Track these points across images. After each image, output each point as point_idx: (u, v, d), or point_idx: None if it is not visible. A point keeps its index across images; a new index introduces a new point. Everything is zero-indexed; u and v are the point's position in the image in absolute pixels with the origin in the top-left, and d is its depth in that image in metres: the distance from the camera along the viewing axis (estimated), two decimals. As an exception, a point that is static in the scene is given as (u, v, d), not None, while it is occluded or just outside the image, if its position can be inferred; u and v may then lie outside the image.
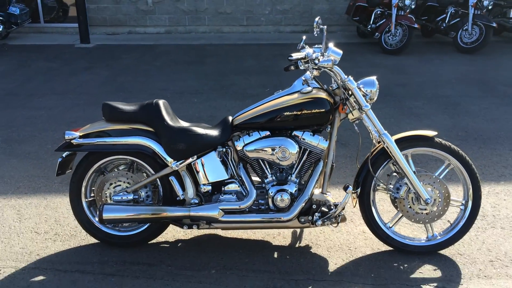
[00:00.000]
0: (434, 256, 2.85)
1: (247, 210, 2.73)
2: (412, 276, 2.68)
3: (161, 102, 2.77)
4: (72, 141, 2.71)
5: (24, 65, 7.58)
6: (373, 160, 2.80)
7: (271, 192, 2.70)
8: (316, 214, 2.72)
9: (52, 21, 10.73)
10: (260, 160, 2.75)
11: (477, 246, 2.95)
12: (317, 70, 2.70)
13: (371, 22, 8.85)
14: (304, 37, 3.04)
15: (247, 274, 2.67)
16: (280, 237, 3.03)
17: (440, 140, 2.80)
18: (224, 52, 8.61)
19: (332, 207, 2.74)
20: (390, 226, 2.89)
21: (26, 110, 5.48)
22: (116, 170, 2.88)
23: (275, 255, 2.85)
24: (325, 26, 2.75)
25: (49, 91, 6.27)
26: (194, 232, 3.05)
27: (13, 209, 3.33)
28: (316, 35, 2.78)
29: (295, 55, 2.60)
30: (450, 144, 2.81)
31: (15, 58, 8.03)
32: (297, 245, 2.95)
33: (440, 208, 2.79)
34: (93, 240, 2.92)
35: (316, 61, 2.62)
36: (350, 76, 2.72)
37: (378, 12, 8.84)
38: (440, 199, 2.78)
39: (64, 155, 2.79)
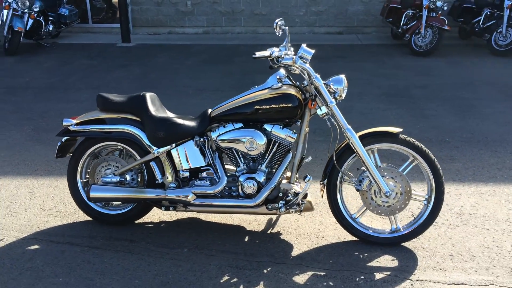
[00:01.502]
0: (396, 248, 2.98)
1: (219, 195, 2.98)
2: (369, 264, 2.83)
3: (148, 95, 3.08)
4: (69, 128, 3.08)
5: (67, 62, 8.20)
6: (339, 154, 2.97)
7: (241, 180, 2.94)
8: (281, 201, 2.93)
9: (100, 21, 11.42)
10: (233, 150, 2.99)
11: (442, 241, 3.04)
12: (285, 68, 2.91)
13: (402, 24, 8.82)
14: (288, 33, 3.24)
15: (215, 254, 2.92)
16: (256, 223, 3.26)
17: (405, 136, 2.93)
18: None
19: (297, 196, 2.94)
20: (356, 217, 3.04)
21: (60, 103, 6.00)
22: (107, 155, 3.22)
23: (246, 239, 3.08)
24: (287, 27, 2.92)
25: (84, 86, 6.80)
26: (178, 215, 3.34)
27: (27, 188, 3.76)
28: (279, 35, 2.96)
29: (259, 53, 2.81)
30: (414, 140, 2.93)
31: (61, 56, 8.69)
32: (269, 231, 3.17)
33: (401, 201, 2.91)
34: (87, 218, 3.28)
35: (280, 59, 2.82)
36: (317, 74, 2.90)
37: (410, 14, 8.80)
38: (401, 193, 2.91)
39: (63, 139, 3.16)
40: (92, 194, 2.99)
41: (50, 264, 2.82)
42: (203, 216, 3.33)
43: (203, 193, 2.95)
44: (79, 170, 3.19)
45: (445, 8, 8.45)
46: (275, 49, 2.85)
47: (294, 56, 2.84)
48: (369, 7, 10.63)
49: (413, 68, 7.63)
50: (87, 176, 3.22)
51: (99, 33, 10.97)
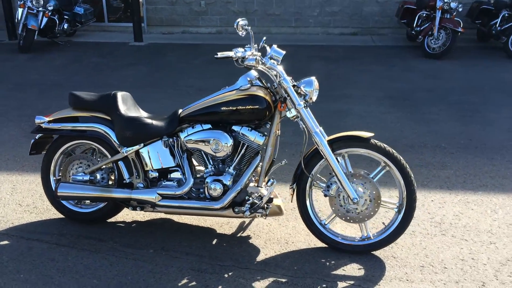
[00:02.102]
0: (365, 256, 2.88)
1: (185, 196, 2.95)
2: (333, 272, 2.75)
3: (119, 94, 3.07)
4: (41, 125, 3.10)
5: (78, 60, 8.33)
6: (308, 159, 2.89)
7: (208, 182, 2.90)
8: (247, 205, 2.87)
9: (117, 21, 11.56)
10: (202, 151, 2.95)
11: (416, 251, 2.93)
12: (253, 68, 2.85)
13: (415, 25, 8.61)
14: (264, 38, 3.20)
15: (179, 256, 2.89)
16: (227, 226, 3.21)
17: (376, 141, 2.83)
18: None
19: (269, 200, 2.87)
20: (326, 223, 2.96)
21: (62, 100, 6.06)
22: (82, 153, 3.23)
23: (214, 242, 3.04)
24: (250, 27, 2.86)
25: (90, 84, 6.88)
26: (152, 215, 3.32)
27: (11, 184, 3.81)
28: (242, 36, 2.90)
29: (221, 54, 2.76)
30: (385, 146, 2.83)
31: (73, 54, 8.84)
32: (238, 235, 3.12)
33: (370, 209, 2.82)
34: (61, 215, 3.29)
35: (244, 60, 2.77)
36: (286, 76, 2.83)
37: (424, 15, 8.58)
38: (370, 200, 2.81)
39: (37, 137, 3.18)
40: (60, 192, 3.00)
41: (15, 260, 2.84)
42: (176, 217, 3.30)
43: (169, 194, 2.92)
44: (52, 167, 3.20)
45: (460, 9, 8.19)
46: (240, 50, 2.80)
47: (258, 57, 2.78)
48: (384, 8, 10.43)
49: (424, 70, 7.44)
50: (60, 174, 3.24)
51: (114, 32, 11.10)
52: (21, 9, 8.85)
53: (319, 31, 10.76)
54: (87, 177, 3.09)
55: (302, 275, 2.72)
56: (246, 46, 2.87)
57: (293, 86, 2.87)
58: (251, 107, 2.81)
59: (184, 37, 10.60)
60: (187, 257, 2.88)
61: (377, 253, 2.92)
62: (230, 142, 2.84)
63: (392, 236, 2.86)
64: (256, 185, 2.91)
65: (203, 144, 2.86)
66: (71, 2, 9.94)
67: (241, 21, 2.78)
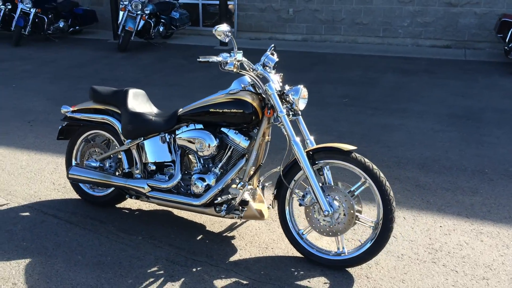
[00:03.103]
0: (338, 272, 2.81)
1: (174, 190, 3.12)
2: (297, 282, 2.72)
3: (131, 91, 3.34)
4: (66, 114, 3.49)
5: (163, 60, 8.98)
6: (288, 167, 2.90)
7: (193, 178, 3.04)
8: (224, 205, 2.96)
9: (211, 25, 12.19)
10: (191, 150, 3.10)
11: (393, 275, 2.78)
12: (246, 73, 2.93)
13: (507, 39, 7.90)
14: (272, 45, 3.29)
15: (162, 246, 3.07)
16: (218, 224, 3.32)
17: (357, 155, 2.75)
18: (339, 62, 8.75)
19: (244, 203, 2.94)
20: (303, 233, 2.94)
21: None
22: (99, 142, 3.57)
23: (199, 237, 3.17)
24: (231, 33, 2.90)
25: (162, 82, 7.39)
26: (156, 207, 3.55)
27: (54, 165, 4.31)
28: (225, 41, 2.97)
29: (203, 58, 2.86)
30: (366, 161, 2.74)
31: (161, 54, 9.54)
32: (225, 234, 3.21)
33: (344, 223, 2.74)
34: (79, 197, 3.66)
35: (223, 65, 2.86)
36: (273, 83, 2.87)
37: (519, 29, 7.83)
38: (344, 214, 2.73)
39: (64, 124, 3.58)
40: (70, 174, 3.36)
41: (27, 230, 3.24)
42: (176, 211, 3.49)
43: (157, 187, 3.12)
44: (74, 152, 3.58)
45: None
46: (225, 55, 2.89)
47: (237, 63, 2.85)
48: (483, 21, 9.69)
49: (507, 90, 6.81)
50: (82, 159, 3.61)
51: (207, 36, 11.71)
52: (122, 12, 9.79)
53: (408, 43, 10.32)
54: (97, 164, 3.42)
55: (265, 280, 2.74)
56: (238, 51, 2.93)
57: (281, 93, 2.90)
58: (236, 110, 2.89)
59: (269, 43, 10.82)
60: (168, 248, 3.05)
61: (352, 270, 2.82)
62: (214, 143, 2.96)
63: (366, 255, 2.75)
64: (238, 187, 2.98)
65: (191, 142, 3.01)
66: (168, 7, 10.74)
67: (223, 27, 2.84)
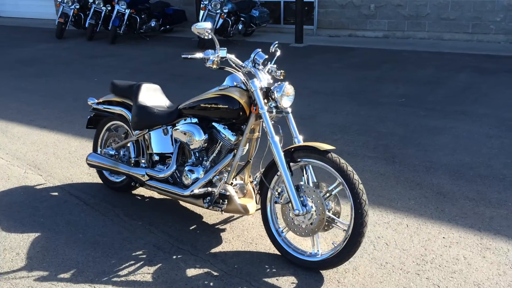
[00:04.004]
0: (310, 273, 2.76)
1: (170, 180, 3.28)
2: (265, 279, 2.72)
3: (144, 85, 3.56)
4: (92, 105, 3.82)
5: (237, 57, 9.22)
6: (269, 166, 2.90)
7: (184, 170, 3.17)
8: (208, 198, 3.04)
9: (293, 23, 12.24)
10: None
11: (367, 282, 2.66)
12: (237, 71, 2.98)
13: None
14: (276, 42, 3.31)
15: (156, 232, 3.24)
16: (214, 216, 3.41)
17: (333, 155, 2.67)
18: (414, 59, 8.32)
19: (225, 197, 3.00)
20: (282, 231, 2.92)
21: (185, 89, 6.97)
22: (119, 132, 3.85)
23: (192, 227, 3.29)
24: (211, 31, 2.92)
25: (215, 78, 7.61)
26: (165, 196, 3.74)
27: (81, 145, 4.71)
28: (207, 38, 3.00)
29: (186, 54, 2.93)
30: (342, 161, 2.64)
31: (235, 52, 9.77)
32: (217, 226, 3.30)
33: (316, 224, 2.68)
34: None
35: (206, 61, 2.92)
36: (257, 80, 2.89)
37: None
38: (316, 216, 2.67)
39: (92, 114, 3.91)
40: (88, 160, 3.68)
41: (49, 208, 3.61)
42: (182, 202, 3.64)
43: (154, 176, 3.30)
44: (99, 141, 3.91)
45: None
46: (209, 51, 2.95)
47: (217, 59, 2.88)
48: None
49: None
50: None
51: (288, 34, 11.76)
52: (203, 11, 10.24)
53: (501, 39, 9.45)
54: (113, 152, 3.70)
55: (235, 274, 2.78)
56: (222, 48, 2.97)
57: (268, 90, 2.91)
58: (222, 106, 2.96)
59: (347, 40, 10.61)
60: (161, 234, 3.22)
61: (326, 273, 2.75)
62: (202, 137, 3.05)
63: (336, 259, 2.67)
64: (225, 181, 3.05)
65: (183, 135, 3.14)
66: (248, 5, 11.00)
67: (204, 25, 2.88)
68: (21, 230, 3.30)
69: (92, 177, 4.14)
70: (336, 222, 2.73)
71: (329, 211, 2.75)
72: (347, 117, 5.51)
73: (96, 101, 3.81)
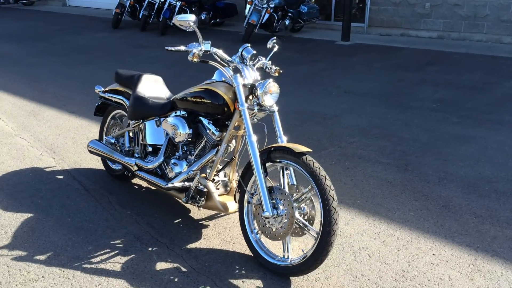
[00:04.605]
0: (280, 278, 2.64)
1: (158, 171, 3.27)
2: (231, 280, 2.64)
3: (144, 76, 3.57)
4: (99, 94, 3.89)
5: (275, 53, 9.11)
6: (247, 166, 2.80)
7: (170, 162, 3.15)
8: (187, 192, 3.00)
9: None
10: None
11: (334, 294, 2.51)
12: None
13: None
14: (274, 38, 3.22)
15: (140, 223, 3.24)
16: (201, 213, 3.36)
17: (307, 158, 2.53)
18: (463, 63, 7.83)
19: (202, 193, 2.95)
20: (257, 232, 2.82)
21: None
22: (123, 121, 3.89)
23: (176, 221, 3.26)
24: (195, 24, 2.81)
25: (263, 74, 7.55)
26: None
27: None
28: (190, 31, 2.90)
29: (170, 47, 2.86)
30: (315, 165, 2.51)
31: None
32: (202, 222, 3.25)
33: (285, 229, 2.56)
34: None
35: (188, 54, 2.84)
36: (238, 76, 2.79)
37: None
38: (286, 220, 2.55)
39: (99, 102, 3.98)
40: (88, 146, 3.76)
41: (50, 190, 3.72)
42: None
43: (142, 166, 3.31)
44: (105, 128, 3.98)
45: None
46: (194, 44, 2.88)
47: (198, 53, 2.79)
48: None
49: None
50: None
51: (337, 31, 11.45)
52: (249, 5, 10.20)
53: None
54: (113, 140, 3.75)
55: (203, 272, 2.72)
56: (206, 42, 2.88)
57: (251, 87, 2.81)
58: (206, 100, 2.90)
59: (399, 40, 10.18)
60: (144, 225, 3.22)
61: (295, 280, 2.63)
62: (186, 130, 3.01)
63: (305, 266, 2.53)
64: (205, 176, 2.99)
65: (169, 128, 3.11)
66: (297, 1, 10.83)
67: (188, 17, 2.79)
68: (17, 209, 3.42)
69: (100, 163, 4.23)
70: (308, 229, 2.59)
71: (303, 216, 2.62)
72: (371, 120, 5.26)
73: (103, 89, 3.87)
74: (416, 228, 3.12)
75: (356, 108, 5.70)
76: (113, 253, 2.90)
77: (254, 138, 2.68)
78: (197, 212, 3.37)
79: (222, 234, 3.10)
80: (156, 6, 11.87)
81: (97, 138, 4.08)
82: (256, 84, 2.81)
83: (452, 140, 4.60)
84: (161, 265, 2.79)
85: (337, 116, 5.42)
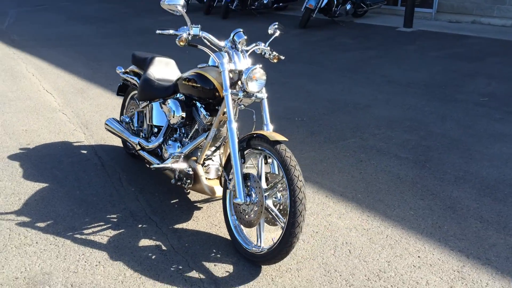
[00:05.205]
0: (249, 265, 2.64)
1: (159, 152, 3.37)
2: (204, 262, 2.68)
3: (156, 58, 3.67)
4: (119, 74, 4.06)
5: (330, 39, 8.93)
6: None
7: (165, 144, 3.24)
8: (174, 174, 3.08)
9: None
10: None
11: (301, 287, 2.46)
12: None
13: None
14: (276, 23, 3.19)
15: (139, 200, 3.37)
16: (199, 195, 3.42)
17: (281, 147, 2.49)
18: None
19: (189, 176, 3.01)
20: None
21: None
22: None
23: (173, 201, 3.35)
24: (183, 8, 2.80)
25: (305, 60, 7.43)
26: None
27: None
28: (178, 15, 2.87)
29: (160, 30, 2.88)
30: (287, 155, 2.46)
31: (334, 33, 9.47)
32: (196, 204, 3.31)
33: (254, 216, 2.55)
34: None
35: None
36: (224, 61, 2.77)
37: None
38: (256, 208, 2.54)
39: (121, 82, 4.16)
40: (106, 124, 3.94)
41: (70, 164, 3.97)
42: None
43: (143, 146, 3.42)
44: (125, 109, 4.15)
45: None
46: (184, 28, 2.89)
47: (187, 37, 2.80)
48: None
49: None
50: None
51: (403, 16, 10.95)
52: (311, -11, 10.01)
53: None
54: (127, 119, 3.90)
55: (180, 252, 2.78)
56: (195, 26, 2.89)
57: (239, 72, 2.80)
58: (196, 84, 2.94)
59: (467, 27, 9.51)
60: (142, 203, 3.33)
61: (265, 268, 2.62)
62: (179, 113, 3.07)
63: (271, 256, 2.51)
64: (195, 159, 3.05)
65: (167, 110, 3.18)
66: (361, -15, 10.46)
67: (176, 1, 2.80)
68: (36, 179, 3.70)
69: (119, 144, 4.42)
70: (278, 218, 2.56)
71: (279, 206, 2.59)
72: (405, 112, 5.01)
73: (123, 70, 4.03)
74: (410, 227, 2.96)
75: (393, 98, 5.46)
76: (105, 227, 3.06)
77: (234, 125, 2.68)
78: (195, 194, 3.44)
79: (211, 218, 3.14)
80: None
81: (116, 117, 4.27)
82: (244, 70, 2.78)
83: (485, 138, 4.28)
84: (144, 242, 2.89)
85: (370, 106, 5.22)
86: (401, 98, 5.47)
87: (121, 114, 4.19)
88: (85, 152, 4.20)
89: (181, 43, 2.83)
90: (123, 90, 4.18)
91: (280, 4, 12.14)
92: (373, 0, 10.55)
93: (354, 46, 8.22)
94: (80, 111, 5.26)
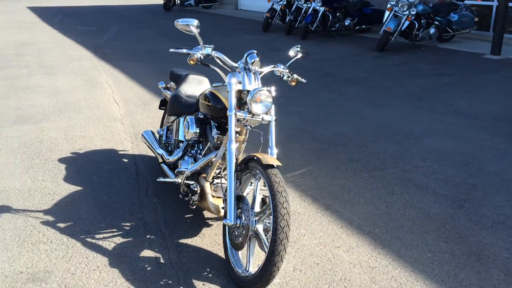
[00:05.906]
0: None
1: (178, 165, 3.45)
2: (194, 280, 2.67)
3: (190, 76, 3.78)
4: (161, 89, 4.24)
5: (405, 64, 8.55)
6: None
7: (182, 159, 3.30)
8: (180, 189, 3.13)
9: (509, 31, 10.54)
10: None
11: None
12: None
13: None
14: (298, 46, 3.16)
15: (158, 210, 3.45)
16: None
17: (272, 171, 2.43)
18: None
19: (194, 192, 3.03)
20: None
21: (327, 92, 6.82)
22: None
23: (187, 215, 3.39)
24: (196, 29, 2.81)
25: (372, 84, 7.18)
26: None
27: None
28: (191, 34, 2.87)
29: (174, 49, 2.90)
30: (276, 180, 2.40)
31: (413, 57, 9.06)
32: (208, 220, 3.32)
33: (241, 239, 2.50)
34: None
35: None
36: (233, 80, 2.77)
37: None
38: (243, 231, 2.48)
39: (163, 96, 4.32)
40: (142, 136, 4.10)
41: (108, 170, 4.18)
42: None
43: (164, 159, 3.52)
44: (164, 121, 4.31)
45: None
46: (198, 48, 2.92)
47: (199, 56, 2.82)
48: None
49: None
50: (168, 127, 4.30)
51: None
52: (388, 12, 9.74)
53: None
54: (161, 132, 4.04)
55: (176, 268, 2.80)
56: (207, 46, 2.90)
57: (247, 93, 2.79)
58: (209, 103, 2.97)
59: None
60: (159, 214, 3.41)
61: (250, 295, 2.54)
62: (194, 130, 3.12)
63: (253, 282, 2.43)
64: (204, 176, 3.07)
65: (183, 125, 3.25)
66: (447, 8, 9.94)
67: (190, 21, 2.83)
68: (74, 182, 3.95)
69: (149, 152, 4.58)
70: (264, 244, 2.47)
71: (267, 231, 2.52)
72: (461, 145, 4.63)
73: (164, 85, 4.20)
74: (421, 271, 2.71)
75: (453, 130, 5.07)
76: (116, 234, 3.17)
77: (233, 145, 2.66)
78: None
79: (218, 236, 3.13)
80: (302, 11, 12.09)
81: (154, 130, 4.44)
82: (252, 91, 2.76)
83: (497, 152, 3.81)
84: (145, 253, 2.95)
85: (424, 136, 4.90)
86: (462, 130, 5.07)
87: (160, 127, 4.35)
88: (126, 160, 4.41)
89: (191, 62, 2.88)
90: (163, 104, 4.35)
91: (363, 26, 11.91)
92: (460, 25, 9.96)
93: (428, 72, 7.80)
94: (136, 122, 5.54)
